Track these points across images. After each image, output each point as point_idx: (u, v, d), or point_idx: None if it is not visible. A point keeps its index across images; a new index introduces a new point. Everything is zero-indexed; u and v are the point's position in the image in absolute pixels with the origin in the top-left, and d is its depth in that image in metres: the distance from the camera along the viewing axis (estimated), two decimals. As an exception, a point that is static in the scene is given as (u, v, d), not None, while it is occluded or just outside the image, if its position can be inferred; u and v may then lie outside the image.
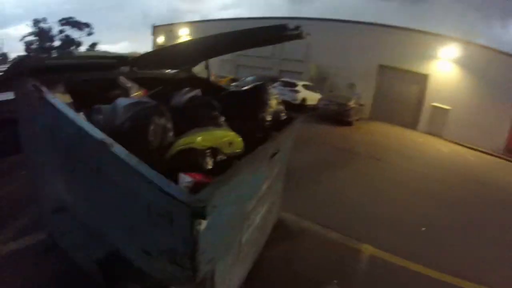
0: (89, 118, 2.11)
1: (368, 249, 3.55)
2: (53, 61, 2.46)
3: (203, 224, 1.17)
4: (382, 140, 12.42)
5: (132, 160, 1.31)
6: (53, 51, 37.05)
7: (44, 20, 37.95)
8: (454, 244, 4.19)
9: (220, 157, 1.91)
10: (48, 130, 1.85)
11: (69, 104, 2.21)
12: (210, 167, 1.80)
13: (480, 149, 16.12)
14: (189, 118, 2.29)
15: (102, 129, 1.75)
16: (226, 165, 1.89)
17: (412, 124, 19.33)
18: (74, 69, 2.53)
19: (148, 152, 1.69)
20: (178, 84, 3.23)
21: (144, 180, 1.23)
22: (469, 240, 4.45)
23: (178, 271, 1.29)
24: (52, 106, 1.67)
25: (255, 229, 2.25)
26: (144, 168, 1.28)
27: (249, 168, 1.67)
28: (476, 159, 13.38)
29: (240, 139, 2.13)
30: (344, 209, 4.59)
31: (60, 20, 38.74)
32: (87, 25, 40.36)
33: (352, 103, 13.92)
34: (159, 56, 3.04)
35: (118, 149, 1.37)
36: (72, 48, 38.57)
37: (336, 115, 13.42)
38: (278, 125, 2.72)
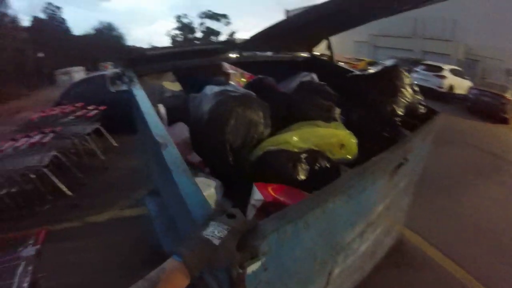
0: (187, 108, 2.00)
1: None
2: (155, 51, 2.48)
3: (252, 266, 0.83)
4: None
5: (178, 167, 1.07)
6: (196, 41, 41.87)
7: (185, 15, 43.39)
8: None
9: (321, 163, 1.43)
10: (140, 117, 1.78)
11: (177, 92, 2.30)
12: (303, 177, 1.34)
13: None
14: (295, 109, 1.88)
15: (190, 121, 1.66)
16: (331, 174, 1.43)
17: None
18: (178, 58, 2.49)
19: (225, 152, 1.37)
20: (294, 67, 2.84)
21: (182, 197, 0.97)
22: None
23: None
24: (134, 97, 1.63)
25: (358, 257, 1.70)
26: (185, 182, 1.02)
27: (356, 187, 1.18)
28: None
29: (354, 140, 1.60)
30: (487, 242, 3.30)
31: (199, 14, 43.61)
32: (224, 16, 44.01)
33: (509, 95, 10.96)
34: (270, 36, 2.67)
35: (169, 152, 1.14)
36: (212, 38, 42.63)
37: (489, 108, 10.73)
38: (413, 121, 2.06)
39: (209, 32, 43.89)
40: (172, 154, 1.13)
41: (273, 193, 1.15)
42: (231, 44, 2.75)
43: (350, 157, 1.56)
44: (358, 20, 2.71)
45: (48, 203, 3.87)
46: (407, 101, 2.13)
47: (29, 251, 1.57)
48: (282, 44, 3.03)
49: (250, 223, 0.83)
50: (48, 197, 3.93)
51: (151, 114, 1.45)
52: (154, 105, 1.83)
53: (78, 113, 5.57)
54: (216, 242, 0.72)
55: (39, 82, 20.47)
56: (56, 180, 4.00)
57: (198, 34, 44.00)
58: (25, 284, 1.43)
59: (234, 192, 1.39)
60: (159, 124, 1.35)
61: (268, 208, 1.10)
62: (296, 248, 1.01)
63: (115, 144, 6.09)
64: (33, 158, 3.78)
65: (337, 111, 1.93)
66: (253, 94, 1.57)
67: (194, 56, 2.56)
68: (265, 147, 1.41)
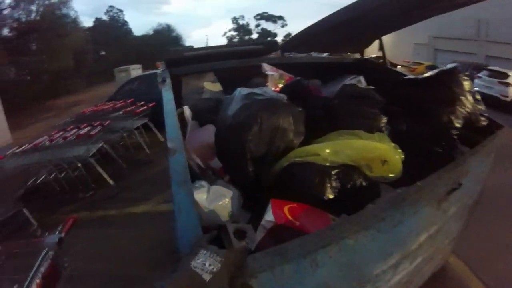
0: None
1: None
2: (193, 53, 2.56)
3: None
4: None
5: (179, 177, 0.97)
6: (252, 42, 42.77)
7: (241, 17, 44.26)
8: None
9: (356, 181, 1.23)
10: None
11: (217, 93, 2.27)
12: (331, 196, 1.15)
13: None
14: (333, 116, 1.69)
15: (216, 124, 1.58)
16: (368, 195, 1.24)
17: None
18: (218, 59, 2.48)
19: (244, 160, 1.24)
20: (342, 70, 2.65)
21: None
22: None
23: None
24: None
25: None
26: (180, 195, 0.93)
27: (388, 219, 0.99)
28: None
29: (399, 156, 1.35)
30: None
31: (255, 16, 44.15)
32: (280, 17, 44.11)
33: None
34: (314, 36, 2.49)
35: (176, 160, 1.05)
36: (269, 39, 43.09)
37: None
38: (473, 135, 1.76)
39: (265, 33, 44.27)
40: (178, 162, 1.04)
41: (288, 215, 0.98)
42: (273, 45, 2.64)
43: (393, 175, 1.32)
44: (411, 17, 2.42)
45: (91, 191, 4.11)
46: (466, 111, 1.79)
47: (53, 237, 1.64)
48: (328, 44, 2.83)
49: (244, 254, 0.73)
50: (92, 185, 4.17)
51: (171, 116, 1.41)
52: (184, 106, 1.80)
53: (128, 109, 5.84)
54: (207, 277, 0.64)
55: (98, 79, 22.23)
56: (100, 170, 4.22)
57: (254, 35, 44.63)
58: (42, 269, 1.48)
59: (255, 204, 1.26)
60: (175, 129, 1.28)
61: (280, 232, 0.94)
62: (304, 283, 0.85)
63: (162, 140, 6.29)
64: (80, 148, 4.01)
65: (383, 120, 1.69)
66: (283, 98, 1.42)
67: (232, 57, 2.51)
68: (291, 158, 1.25)
